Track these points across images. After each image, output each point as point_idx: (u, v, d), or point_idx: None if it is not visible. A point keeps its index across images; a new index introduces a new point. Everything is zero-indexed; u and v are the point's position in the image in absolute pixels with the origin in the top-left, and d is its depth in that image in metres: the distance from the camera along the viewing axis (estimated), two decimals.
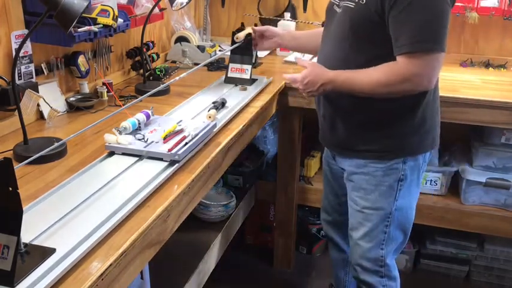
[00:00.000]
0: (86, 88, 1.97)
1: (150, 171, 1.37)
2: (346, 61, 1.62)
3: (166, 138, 1.50)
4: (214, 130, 1.65)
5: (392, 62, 1.54)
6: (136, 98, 1.96)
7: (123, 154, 1.47)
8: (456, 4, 2.41)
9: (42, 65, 1.78)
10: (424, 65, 1.50)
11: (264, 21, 2.83)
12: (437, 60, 1.52)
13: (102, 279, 1.02)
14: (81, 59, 1.92)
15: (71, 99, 1.88)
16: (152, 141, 1.49)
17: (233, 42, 2.12)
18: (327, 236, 2.16)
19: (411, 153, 1.70)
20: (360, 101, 1.62)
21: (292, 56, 2.60)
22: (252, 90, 2.06)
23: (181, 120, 1.63)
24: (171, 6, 2.08)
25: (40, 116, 1.77)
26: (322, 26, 2.18)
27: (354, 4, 1.57)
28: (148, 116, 1.61)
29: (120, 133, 1.51)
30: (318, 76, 1.62)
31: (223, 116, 1.78)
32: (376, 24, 1.53)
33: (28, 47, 1.67)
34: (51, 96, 1.77)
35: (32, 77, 1.69)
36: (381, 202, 1.74)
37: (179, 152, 1.42)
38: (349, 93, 1.61)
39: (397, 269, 1.89)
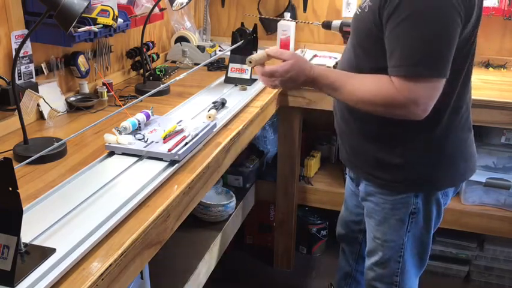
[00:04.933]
0: (86, 88, 1.97)
1: (150, 171, 1.37)
2: (358, 69, 1.45)
3: (166, 138, 1.50)
4: (214, 130, 1.65)
5: (387, 76, 1.33)
6: (137, 98, 1.96)
7: (123, 154, 1.47)
8: None
9: (42, 65, 1.77)
10: (421, 92, 1.28)
11: (264, 21, 2.83)
12: (435, 88, 1.29)
13: (102, 279, 1.02)
14: (81, 59, 1.92)
15: (71, 99, 1.88)
16: (152, 141, 1.49)
17: (233, 42, 2.12)
18: (340, 244, 2.06)
19: (424, 189, 1.50)
20: (364, 117, 1.46)
21: None
22: (252, 90, 2.06)
23: (181, 120, 1.63)
24: (171, 6, 2.08)
25: (40, 116, 1.77)
26: (322, 26, 2.19)
27: (360, 11, 1.42)
28: (148, 116, 1.61)
29: (120, 133, 1.51)
30: (301, 72, 1.42)
31: (223, 116, 1.78)
32: (375, 35, 1.36)
33: (28, 47, 1.67)
34: (51, 96, 1.77)
35: (32, 77, 1.69)
36: (391, 235, 1.59)
37: (179, 152, 1.42)
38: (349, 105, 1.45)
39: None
